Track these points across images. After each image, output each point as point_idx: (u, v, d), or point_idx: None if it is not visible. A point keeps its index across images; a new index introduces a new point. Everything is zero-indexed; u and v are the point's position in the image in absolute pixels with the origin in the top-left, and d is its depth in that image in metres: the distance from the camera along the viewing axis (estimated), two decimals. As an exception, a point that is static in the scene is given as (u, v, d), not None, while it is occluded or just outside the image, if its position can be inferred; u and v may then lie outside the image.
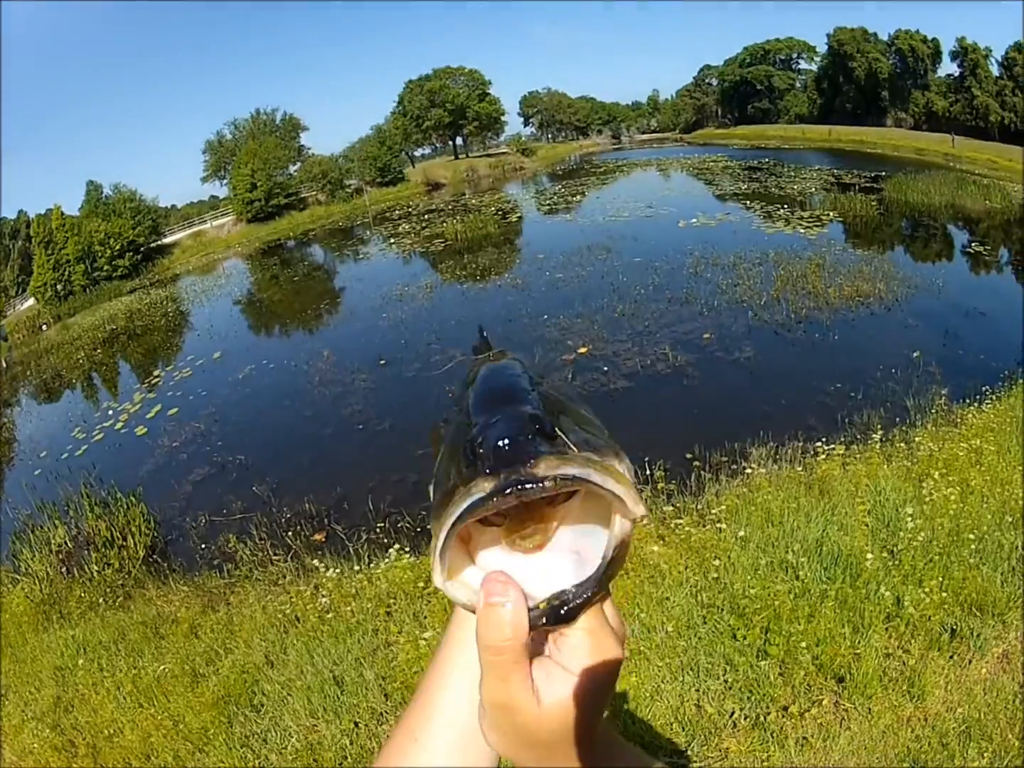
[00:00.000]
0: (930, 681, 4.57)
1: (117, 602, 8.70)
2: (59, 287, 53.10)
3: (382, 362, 17.57)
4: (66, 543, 10.50)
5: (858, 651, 4.86)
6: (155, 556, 10.40)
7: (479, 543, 0.80)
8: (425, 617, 6.44)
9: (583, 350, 15.25)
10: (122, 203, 61.54)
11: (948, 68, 75.40)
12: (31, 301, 55.82)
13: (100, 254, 56.22)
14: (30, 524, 11.26)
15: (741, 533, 6.44)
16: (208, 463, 13.84)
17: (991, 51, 70.52)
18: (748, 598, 5.47)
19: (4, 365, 36.55)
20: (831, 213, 27.21)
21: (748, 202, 32.97)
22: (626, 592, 6.00)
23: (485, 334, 1.25)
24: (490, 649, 0.71)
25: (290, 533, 9.67)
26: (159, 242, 64.57)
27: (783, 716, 4.55)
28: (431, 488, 0.82)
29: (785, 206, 29.94)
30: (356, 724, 5.29)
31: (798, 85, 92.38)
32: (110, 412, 19.69)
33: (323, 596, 7.33)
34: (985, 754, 4.11)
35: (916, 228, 26.31)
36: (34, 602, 9.03)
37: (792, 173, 42.23)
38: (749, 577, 5.75)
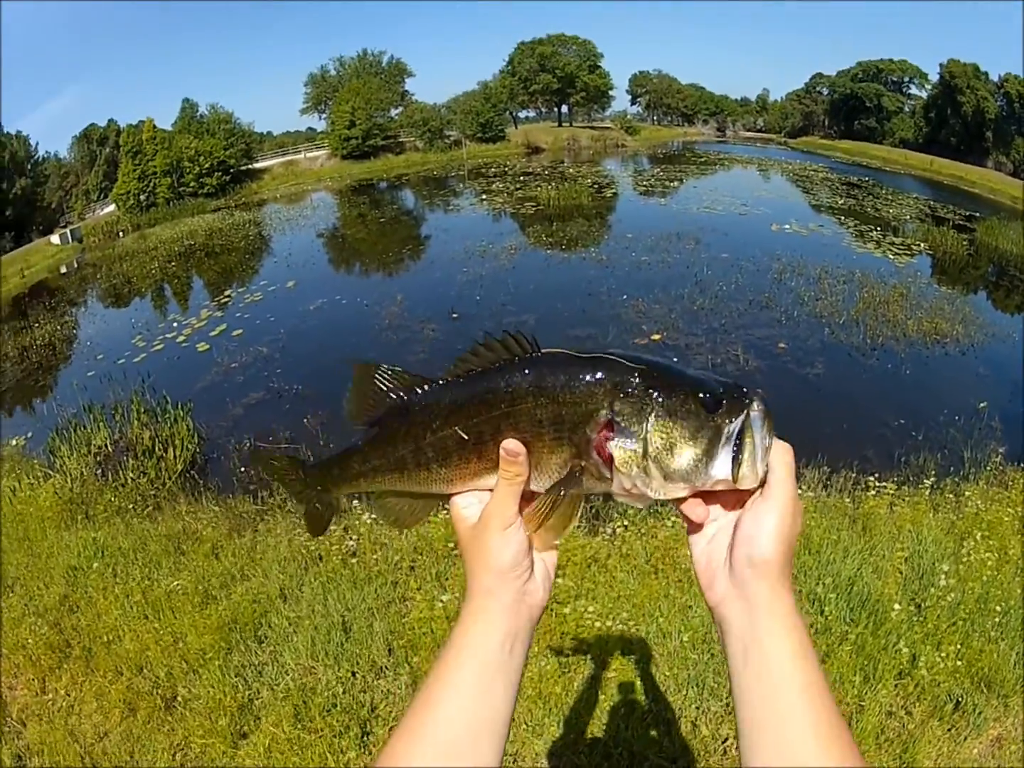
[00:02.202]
0: (923, 751, 4.35)
1: (146, 511, 8.77)
2: (142, 197, 53.82)
3: (454, 316, 17.58)
4: (106, 446, 10.62)
5: (863, 703, 4.66)
6: (193, 472, 10.47)
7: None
8: (447, 579, 6.34)
9: (657, 337, 15.08)
10: (216, 123, 62.42)
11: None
12: (111, 207, 56.63)
13: (188, 170, 56.92)
14: (73, 423, 11.38)
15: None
16: (264, 388, 13.98)
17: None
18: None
19: (75, 265, 37.12)
20: (922, 244, 26.18)
21: (842, 217, 32.07)
22: (651, 592, 5.84)
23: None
24: (791, 458, 1.05)
25: (333, 470, 9.59)
26: (250, 166, 65.30)
27: (774, 754, 4.35)
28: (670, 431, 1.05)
29: (878, 228, 28.98)
30: (354, 674, 5.22)
31: (906, 109, 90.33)
32: (174, 324, 19.99)
33: (351, 539, 7.26)
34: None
35: (1002, 276, 25.15)
36: (62, 500, 9.11)
37: (889, 196, 40.77)
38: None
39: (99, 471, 9.96)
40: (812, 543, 6.45)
